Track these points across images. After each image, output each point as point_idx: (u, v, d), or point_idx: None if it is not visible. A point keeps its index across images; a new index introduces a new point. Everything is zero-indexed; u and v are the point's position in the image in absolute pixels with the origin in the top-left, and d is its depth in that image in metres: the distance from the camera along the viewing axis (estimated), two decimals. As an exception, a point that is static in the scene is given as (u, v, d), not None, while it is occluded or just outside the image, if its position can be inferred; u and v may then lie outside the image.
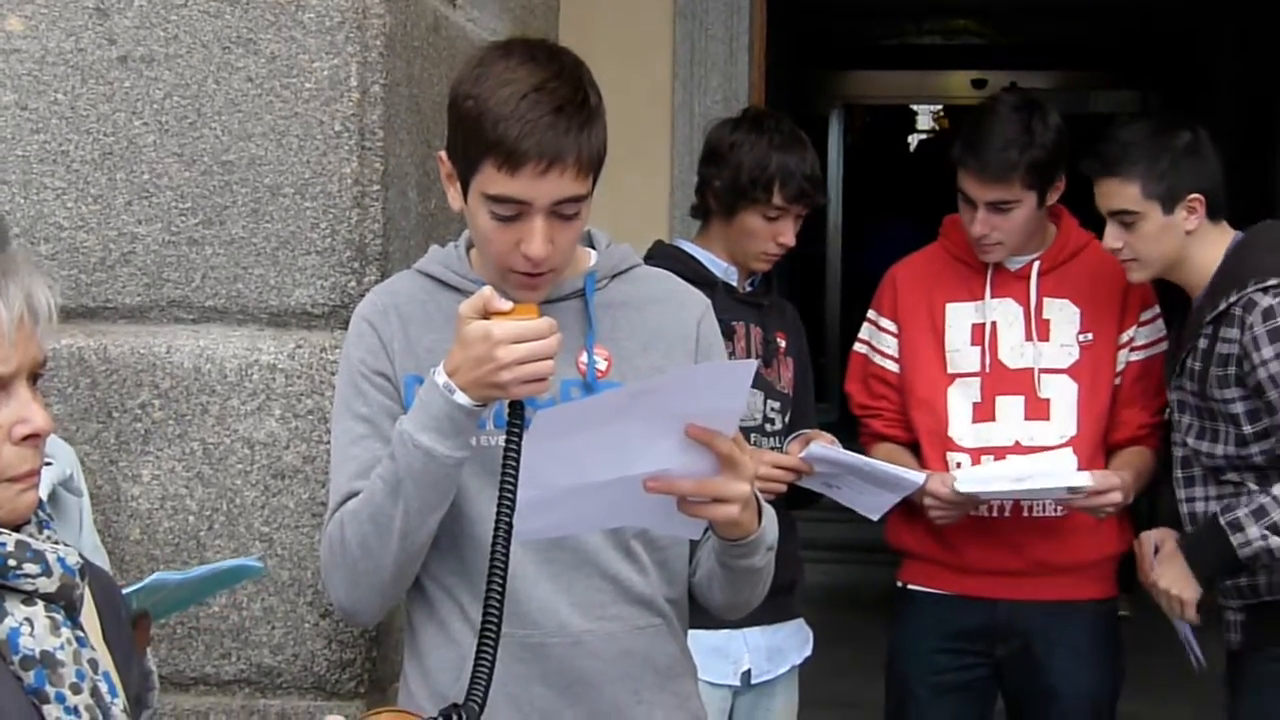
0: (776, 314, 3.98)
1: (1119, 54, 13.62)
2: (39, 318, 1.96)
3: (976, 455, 3.87)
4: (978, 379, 3.94)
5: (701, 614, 2.90)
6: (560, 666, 2.67)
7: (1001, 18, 13.30)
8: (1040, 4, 12.61)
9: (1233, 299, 3.63)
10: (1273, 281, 3.61)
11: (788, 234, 3.82)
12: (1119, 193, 3.74)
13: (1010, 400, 3.91)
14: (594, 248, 2.79)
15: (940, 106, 15.61)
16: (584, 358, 2.69)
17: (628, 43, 4.96)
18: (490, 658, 2.24)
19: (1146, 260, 3.77)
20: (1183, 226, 3.73)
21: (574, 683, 2.68)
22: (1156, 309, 4.05)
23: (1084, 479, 3.74)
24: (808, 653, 4.04)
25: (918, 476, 3.68)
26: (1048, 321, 3.95)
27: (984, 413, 3.92)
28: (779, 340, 3.93)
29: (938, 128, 15.87)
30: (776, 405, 3.89)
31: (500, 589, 2.32)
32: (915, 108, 16.15)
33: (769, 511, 2.66)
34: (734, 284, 3.86)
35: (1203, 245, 3.76)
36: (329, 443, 2.87)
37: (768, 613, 3.44)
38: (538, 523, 2.47)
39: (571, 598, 2.68)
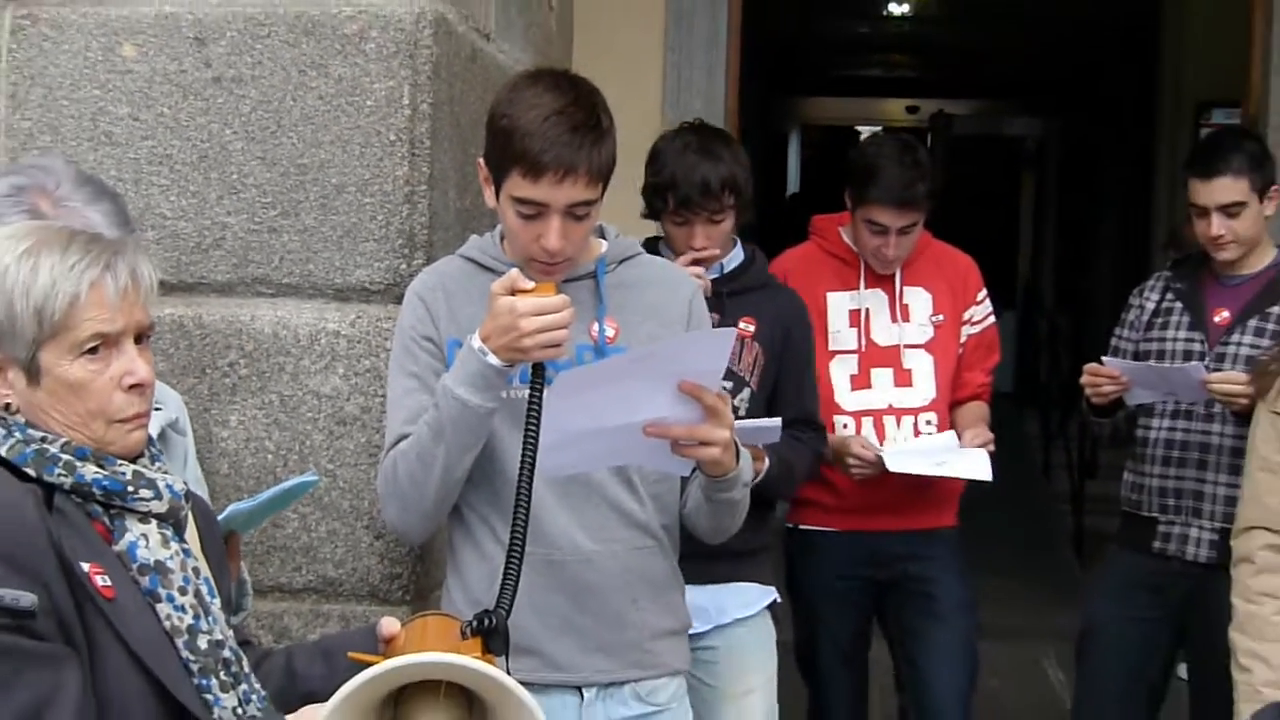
0: (748, 302, 3.58)
1: (1027, 87, 13.65)
2: (141, 288, 1.98)
3: (858, 416, 3.95)
4: (855, 355, 3.97)
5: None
6: (574, 580, 2.70)
7: (931, 55, 13.33)
8: (963, 45, 12.64)
9: None
10: None
11: (697, 239, 3.46)
12: (1233, 187, 3.81)
13: (882, 371, 3.97)
14: (605, 238, 2.80)
15: (881, 128, 15.61)
16: (595, 327, 2.71)
17: (627, 71, 4.95)
18: (516, 572, 2.25)
19: (1243, 240, 3.88)
20: (1264, 212, 3.86)
21: (584, 592, 2.71)
22: (985, 291, 4.13)
23: (986, 473, 3.81)
24: (740, 614, 3.52)
25: (772, 422, 3.45)
26: (908, 306, 4.00)
27: (860, 383, 3.97)
28: (744, 324, 3.54)
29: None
30: (728, 385, 3.43)
31: (525, 516, 2.33)
32: (860, 129, 16.16)
33: (745, 454, 2.68)
34: None
35: (1265, 227, 3.92)
36: (383, 396, 2.91)
37: (701, 574, 3.22)
38: (557, 461, 2.49)
39: (583, 524, 2.70)
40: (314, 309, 3.04)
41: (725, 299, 3.51)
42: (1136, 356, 3.99)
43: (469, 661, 1.72)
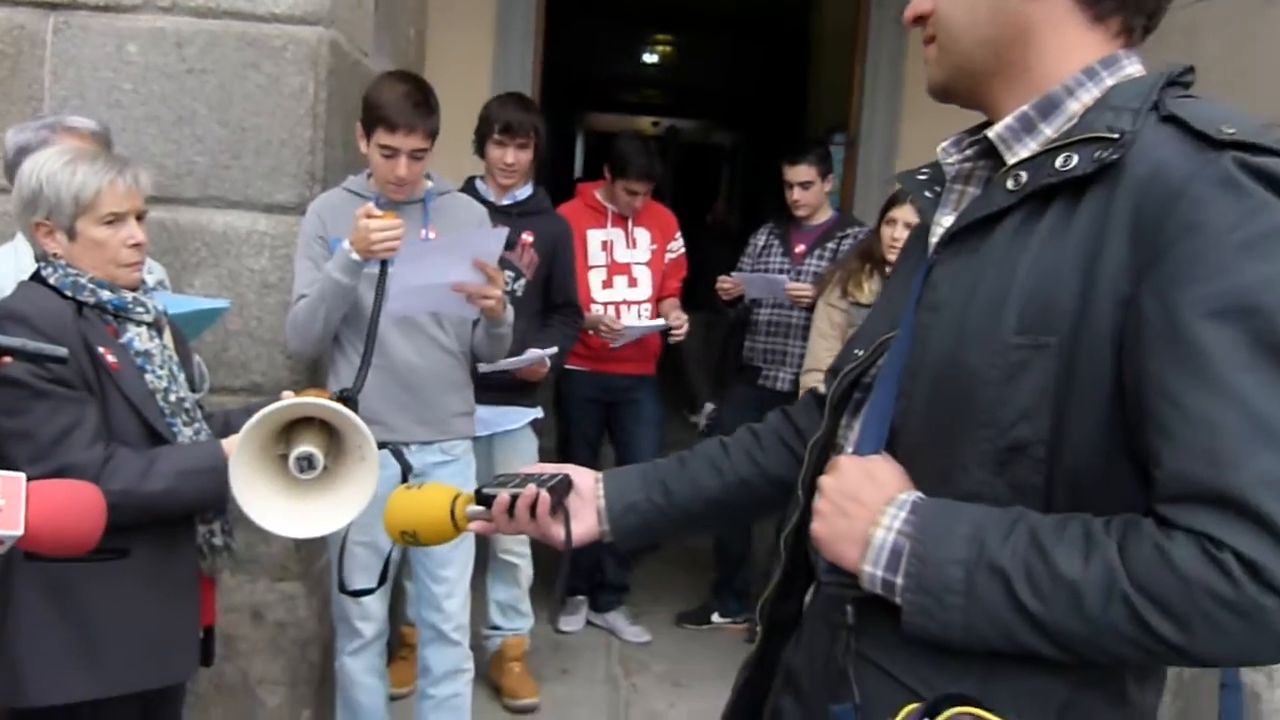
0: (531, 222, 3.53)
1: (727, 112, 13.89)
2: (140, 186, 2.04)
3: (604, 305, 4.02)
4: (605, 268, 4.06)
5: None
6: (407, 381, 2.80)
7: (668, 89, 13.46)
8: (687, 83, 12.82)
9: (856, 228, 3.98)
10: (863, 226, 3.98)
11: (508, 156, 3.41)
12: (806, 171, 3.97)
13: (620, 277, 4.06)
14: (430, 180, 2.87)
15: (635, 134, 15.63)
16: (423, 232, 2.78)
17: (462, 85, 4.78)
18: (364, 373, 2.34)
19: (809, 204, 4.02)
20: (825, 189, 4.00)
21: (415, 388, 2.82)
22: (680, 233, 4.22)
23: (660, 325, 3.95)
24: (509, 426, 3.53)
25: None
26: (635, 238, 4.09)
27: (608, 284, 4.07)
28: (525, 236, 3.53)
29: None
30: (510, 274, 3.46)
31: (372, 341, 2.43)
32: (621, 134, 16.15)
33: (510, 307, 2.81)
34: (492, 199, 3.48)
35: (825, 197, 4.05)
36: (292, 272, 2.92)
37: (488, 398, 3.21)
38: (396, 306, 2.59)
39: (413, 346, 2.80)
40: (250, 217, 3.00)
41: (515, 218, 3.48)
42: (754, 272, 4.19)
43: (333, 404, 1.76)
